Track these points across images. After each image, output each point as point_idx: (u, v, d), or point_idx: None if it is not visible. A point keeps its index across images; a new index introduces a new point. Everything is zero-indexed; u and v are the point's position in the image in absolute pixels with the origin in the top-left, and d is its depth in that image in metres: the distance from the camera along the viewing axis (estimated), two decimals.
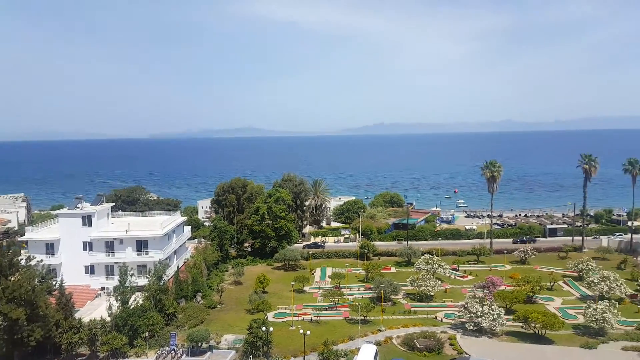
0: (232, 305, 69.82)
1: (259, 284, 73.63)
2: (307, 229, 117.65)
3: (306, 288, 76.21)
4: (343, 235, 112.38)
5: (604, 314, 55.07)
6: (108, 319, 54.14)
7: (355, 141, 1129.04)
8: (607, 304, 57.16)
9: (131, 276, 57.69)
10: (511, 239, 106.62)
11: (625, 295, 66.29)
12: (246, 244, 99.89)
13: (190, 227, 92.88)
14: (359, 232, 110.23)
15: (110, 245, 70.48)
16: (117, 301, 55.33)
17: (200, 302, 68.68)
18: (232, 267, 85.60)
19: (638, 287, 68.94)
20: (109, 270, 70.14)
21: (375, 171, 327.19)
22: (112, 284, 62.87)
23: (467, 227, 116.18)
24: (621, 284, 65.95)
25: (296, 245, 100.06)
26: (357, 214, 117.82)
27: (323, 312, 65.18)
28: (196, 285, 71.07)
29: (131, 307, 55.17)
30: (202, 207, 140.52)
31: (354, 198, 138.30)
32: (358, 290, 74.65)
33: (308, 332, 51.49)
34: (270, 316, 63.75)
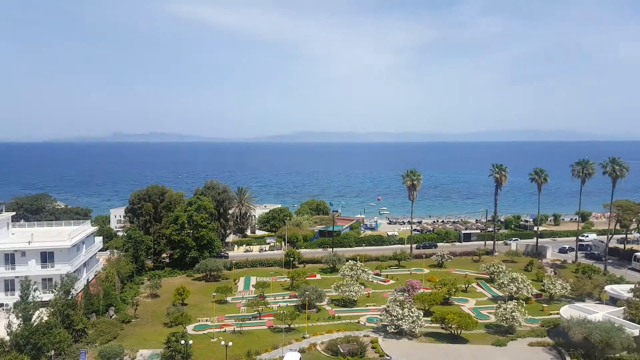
0: (149, 319, 66.31)
1: (177, 296, 70.51)
2: (231, 237, 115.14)
3: (229, 298, 74.16)
4: (268, 243, 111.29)
5: (513, 313, 58.64)
6: (7, 338, 49.16)
7: (281, 148, 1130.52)
8: (516, 303, 60.97)
9: (35, 291, 52.74)
10: (429, 244, 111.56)
11: (531, 295, 71.02)
12: (164, 255, 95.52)
13: (101, 237, 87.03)
14: (284, 240, 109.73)
15: (10, 258, 64.56)
16: (17, 318, 50.30)
17: (113, 317, 64.61)
18: (149, 280, 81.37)
19: (543, 287, 74.02)
20: (9, 285, 64.36)
21: (302, 179, 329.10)
22: (13, 300, 57.32)
23: (389, 233, 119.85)
24: (528, 284, 70.64)
25: (230, 253, 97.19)
26: (283, 221, 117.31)
27: (246, 322, 63.65)
28: (108, 299, 66.83)
29: (34, 324, 50.48)
30: (116, 216, 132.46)
31: (279, 206, 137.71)
32: (283, 299, 74.00)
33: (230, 343, 50.38)
34: (190, 329, 61.32)
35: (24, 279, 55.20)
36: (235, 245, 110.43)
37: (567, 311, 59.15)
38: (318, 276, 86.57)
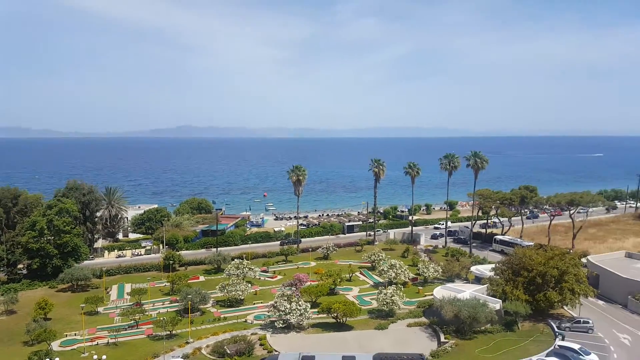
0: (4, 339, 57.97)
1: (39, 310, 62.48)
2: (100, 243, 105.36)
3: (100, 309, 67.64)
4: (144, 247, 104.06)
5: (392, 297, 61.87)
6: None
7: (160, 143, 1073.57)
8: (395, 288, 64.58)
9: None
10: (317, 237, 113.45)
11: (408, 279, 75.86)
12: (20, 266, 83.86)
13: None
14: (162, 242, 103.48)
15: None
16: None
17: None
18: (2, 294, 71.15)
19: (418, 271, 79.25)
20: None
21: (182, 176, 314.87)
22: None
23: (276, 229, 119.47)
24: (405, 269, 75.31)
25: (100, 260, 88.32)
26: (161, 223, 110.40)
27: (122, 332, 58.50)
28: None
29: None
30: None
31: (156, 206, 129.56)
32: (163, 305, 69.46)
33: (104, 357, 46.80)
34: (55, 345, 54.91)
35: None
36: (106, 251, 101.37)
37: (440, 292, 63.90)
38: (201, 278, 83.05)
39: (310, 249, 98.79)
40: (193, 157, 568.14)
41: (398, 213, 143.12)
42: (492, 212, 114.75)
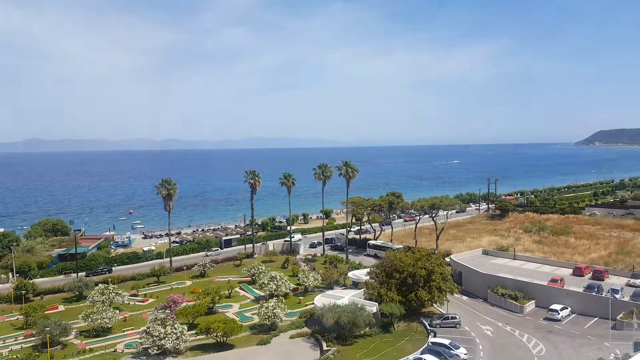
0: None
1: None
2: None
3: None
4: None
5: (274, 310, 61.38)
6: None
7: (4, 159, 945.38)
8: (276, 300, 64.11)
9: None
10: (192, 254, 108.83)
11: (289, 290, 76.16)
12: None
13: None
14: (12, 270, 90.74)
15: None
16: None
17: None
18: None
19: (298, 281, 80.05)
20: None
21: (33, 195, 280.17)
22: None
23: (145, 248, 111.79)
24: (285, 280, 75.34)
25: None
26: (9, 248, 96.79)
27: None
28: None
29: None
30: None
31: (2, 230, 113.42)
32: (15, 340, 60.94)
33: None
34: None
35: None
36: None
37: (320, 300, 65.19)
38: (61, 307, 74.60)
39: (185, 267, 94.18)
40: (46, 173, 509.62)
41: (276, 224, 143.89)
42: (365, 219, 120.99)
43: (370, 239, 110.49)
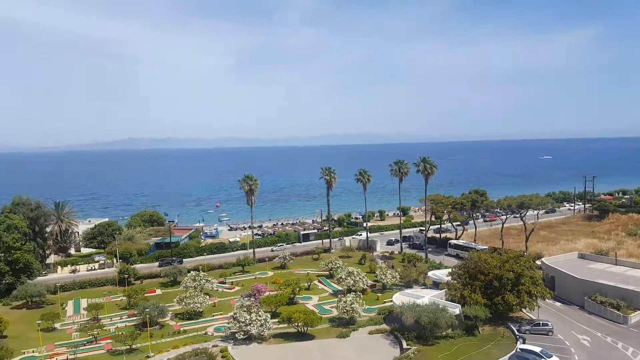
0: None
1: None
2: (52, 258, 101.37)
3: (57, 325, 65.65)
4: (97, 261, 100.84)
5: (352, 305, 62.76)
6: None
7: (111, 156, 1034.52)
8: (354, 295, 65.51)
9: None
10: (270, 247, 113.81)
11: (367, 286, 77.12)
12: None
13: None
14: (116, 256, 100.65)
15: None
16: None
17: None
18: None
19: (376, 278, 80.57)
20: None
21: (133, 189, 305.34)
22: None
23: (230, 239, 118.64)
24: (363, 277, 76.57)
25: (54, 276, 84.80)
26: (113, 236, 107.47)
27: (81, 348, 57.06)
28: None
29: None
30: None
31: (107, 220, 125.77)
32: (120, 319, 68.01)
33: None
34: None
35: None
36: (59, 266, 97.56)
37: (399, 298, 65.16)
38: (158, 291, 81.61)
39: (266, 259, 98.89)
40: (145, 169, 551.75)
41: (352, 220, 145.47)
42: (445, 217, 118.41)
43: (451, 239, 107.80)
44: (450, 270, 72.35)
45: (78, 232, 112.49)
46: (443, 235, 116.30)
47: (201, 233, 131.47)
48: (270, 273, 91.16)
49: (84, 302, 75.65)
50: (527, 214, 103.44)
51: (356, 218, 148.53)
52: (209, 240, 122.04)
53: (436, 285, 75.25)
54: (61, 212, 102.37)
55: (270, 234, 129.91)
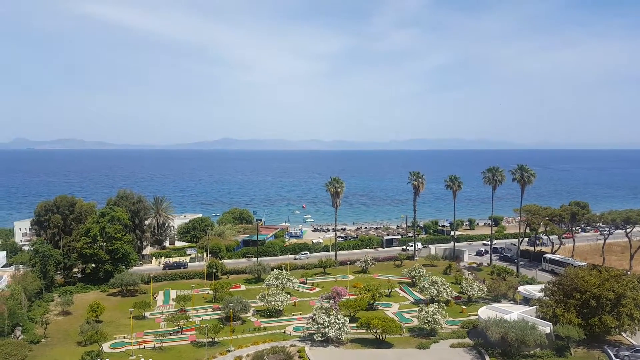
0: (60, 338, 61.18)
1: (91, 312, 65.34)
2: (149, 250, 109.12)
3: (147, 314, 69.97)
4: (189, 255, 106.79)
5: (434, 316, 60.30)
6: None
7: (205, 155, 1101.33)
8: (437, 306, 62.87)
9: None
10: (355, 250, 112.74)
11: (451, 297, 73.79)
12: (75, 270, 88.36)
13: (5, 252, 79.85)
14: (206, 250, 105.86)
15: None
16: None
17: (20, 337, 59.11)
18: (59, 296, 75.17)
19: (461, 290, 77.03)
20: None
21: (225, 187, 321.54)
22: None
23: (314, 241, 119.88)
24: (447, 287, 73.24)
25: (148, 266, 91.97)
26: (205, 232, 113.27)
27: (167, 337, 60.34)
28: (14, 319, 60.93)
29: None
30: (21, 229, 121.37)
31: (200, 215, 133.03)
32: (206, 312, 71.05)
33: None
34: (106, 347, 57.29)
35: None
36: (153, 258, 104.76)
37: (485, 312, 61.74)
38: (242, 287, 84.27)
39: (348, 262, 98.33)
40: (237, 168, 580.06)
41: (439, 228, 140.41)
42: (541, 229, 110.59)
43: (546, 253, 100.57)
44: (543, 286, 67.54)
45: (174, 226, 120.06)
46: (537, 248, 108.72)
47: (286, 233, 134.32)
48: (351, 277, 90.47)
49: (173, 293, 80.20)
50: (634, 230, 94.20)
51: (443, 226, 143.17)
52: (293, 240, 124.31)
53: (526, 301, 70.26)
54: (159, 207, 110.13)
55: (353, 237, 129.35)
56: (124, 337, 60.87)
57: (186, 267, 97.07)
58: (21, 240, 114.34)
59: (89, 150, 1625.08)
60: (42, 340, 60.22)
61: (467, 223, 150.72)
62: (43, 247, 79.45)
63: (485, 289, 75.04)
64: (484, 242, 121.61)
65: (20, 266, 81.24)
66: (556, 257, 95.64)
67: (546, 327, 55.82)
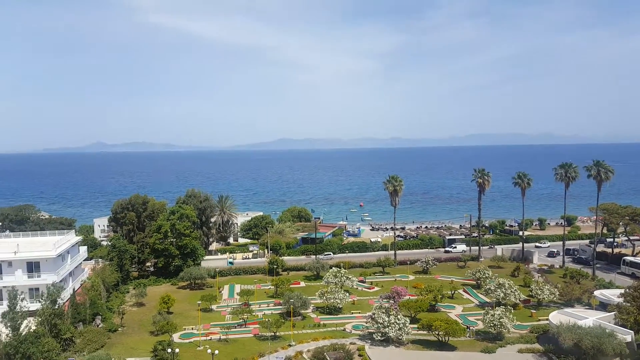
0: (135, 327, 65.20)
1: (163, 304, 69.14)
2: (214, 245, 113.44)
3: (214, 307, 72.89)
4: (251, 251, 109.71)
5: (501, 319, 57.96)
6: None
7: (263, 155, 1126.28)
8: (504, 309, 60.34)
9: (22, 300, 52.60)
10: (415, 250, 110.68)
11: (519, 300, 70.61)
12: (148, 264, 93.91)
13: (86, 247, 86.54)
14: (267, 247, 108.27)
15: None
16: (6, 328, 50.45)
17: (99, 326, 63.52)
18: (134, 288, 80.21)
19: (530, 293, 73.35)
20: None
21: (287, 186, 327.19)
22: (0, 310, 56.77)
23: (372, 239, 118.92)
24: (515, 290, 70.15)
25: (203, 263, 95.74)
26: (265, 229, 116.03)
27: (232, 330, 62.54)
28: (95, 308, 65.78)
29: (23, 334, 50.24)
30: (99, 225, 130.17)
31: (261, 213, 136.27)
32: (267, 306, 72.78)
33: (216, 352, 49.90)
34: (176, 337, 60.34)
35: (10, 289, 55.46)
36: (219, 253, 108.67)
37: (556, 317, 58.70)
38: (302, 283, 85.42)
39: (408, 262, 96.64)
40: (294, 167, 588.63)
41: (506, 228, 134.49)
42: (620, 230, 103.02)
43: (627, 255, 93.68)
44: (622, 290, 62.68)
45: (237, 224, 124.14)
46: (616, 250, 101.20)
47: (344, 231, 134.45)
48: (412, 277, 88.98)
49: (237, 288, 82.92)
50: None
51: (511, 226, 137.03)
52: (351, 239, 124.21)
53: (603, 306, 65.71)
54: (224, 205, 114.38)
55: (413, 236, 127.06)
56: (192, 328, 63.73)
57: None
58: (100, 236, 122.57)
59: (157, 152, 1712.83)
60: (119, 329, 64.38)
61: (537, 223, 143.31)
62: (119, 242, 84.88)
63: (557, 293, 71.00)
64: (537, 244, 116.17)
65: (100, 260, 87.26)
66: (638, 259, 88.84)
67: (627, 335, 52.06)
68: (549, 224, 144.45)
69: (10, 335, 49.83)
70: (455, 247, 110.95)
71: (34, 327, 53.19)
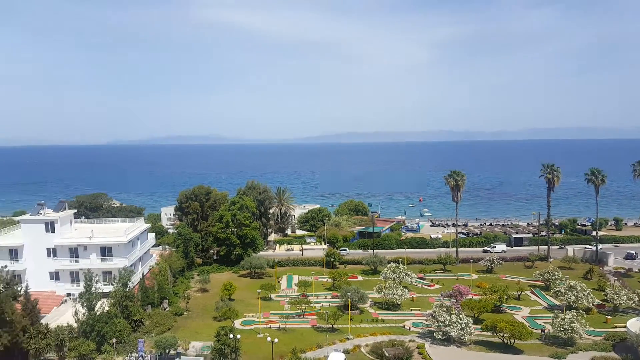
0: (199, 312, 67.83)
1: (225, 291, 71.35)
2: (272, 236, 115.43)
3: (273, 296, 74.24)
4: (308, 243, 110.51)
5: (572, 324, 54.75)
6: (75, 325, 53.08)
7: (325, 149, 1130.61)
8: (575, 313, 56.97)
9: (96, 282, 56.43)
10: (478, 248, 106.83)
11: (592, 305, 66.38)
12: (211, 252, 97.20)
13: (154, 234, 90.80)
14: (324, 240, 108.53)
15: (74, 252, 68.56)
16: (83, 307, 54.06)
17: (166, 309, 66.65)
18: (198, 275, 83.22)
19: (605, 297, 68.76)
20: (74, 277, 68.41)
21: (341, 179, 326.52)
22: (78, 290, 61.57)
23: (432, 235, 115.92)
24: (588, 293, 66.01)
25: (262, 253, 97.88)
26: (322, 222, 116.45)
27: (290, 320, 63.38)
28: (162, 292, 69.05)
29: (97, 314, 53.90)
30: (166, 214, 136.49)
31: (318, 206, 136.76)
32: (325, 299, 72.96)
33: (276, 340, 50.56)
34: (237, 324, 62.09)
35: (86, 271, 59.40)
36: (277, 244, 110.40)
37: (636, 324, 54.73)
38: (359, 277, 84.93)
39: (471, 260, 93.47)
40: (353, 161, 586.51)
41: (578, 227, 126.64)
42: None
43: None
44: None
45: (294, 215, 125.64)
46: None
47: (403, 226, 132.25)
48: (475, 276, 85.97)
49: (295, 279, 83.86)
50: None
51: (583, 225, 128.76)
52: (410, 234, 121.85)
53: None
54: (282, 197, 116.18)
55: (477, 234, 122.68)
56: (252, 316, 65.24)
57: None
58: (166, 224, 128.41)
59: (228, 145, 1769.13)
60: (184, 313, 67.13)
61: (613, 222, 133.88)
62: (185, 230, 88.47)
63: (637, 298, 65.90)
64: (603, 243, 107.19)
65: (167, 246, 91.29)
66: None
67: None
68: (625, 224, 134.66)
69: (86, 314, 53.15)
70: (495, 247, 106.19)
71: (107, 308, 56.38)
